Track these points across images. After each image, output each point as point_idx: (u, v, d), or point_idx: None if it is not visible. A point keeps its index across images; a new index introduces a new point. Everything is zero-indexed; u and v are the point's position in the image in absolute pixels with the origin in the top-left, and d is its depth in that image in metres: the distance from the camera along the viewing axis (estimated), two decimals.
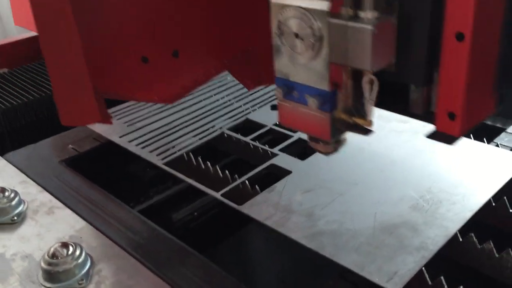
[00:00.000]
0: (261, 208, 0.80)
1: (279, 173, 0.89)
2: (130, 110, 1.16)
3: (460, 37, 0.59)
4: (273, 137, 1.02)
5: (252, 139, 1.00)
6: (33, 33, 1.53)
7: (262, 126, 1.06)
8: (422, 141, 0.95)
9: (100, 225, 0.74)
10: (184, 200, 1.04)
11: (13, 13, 1.53)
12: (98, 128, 1.09)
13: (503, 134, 0.99)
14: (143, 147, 1.01)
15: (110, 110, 1.16)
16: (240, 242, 1.03)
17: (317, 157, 0.92)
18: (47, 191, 0.80)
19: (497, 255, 0.69)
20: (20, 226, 0.71)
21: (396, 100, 0.77)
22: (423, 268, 0.67)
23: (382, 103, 0.89)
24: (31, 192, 0.78)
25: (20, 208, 0.74)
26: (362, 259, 0.68)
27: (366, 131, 0.67)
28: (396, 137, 0.97)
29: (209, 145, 1.03)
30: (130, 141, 1.03)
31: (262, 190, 0.85)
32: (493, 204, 0.78)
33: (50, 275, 0.60)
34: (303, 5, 0.58)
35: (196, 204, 1.04)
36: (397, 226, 0.74)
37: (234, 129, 1.06)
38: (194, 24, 0.90)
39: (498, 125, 1.01)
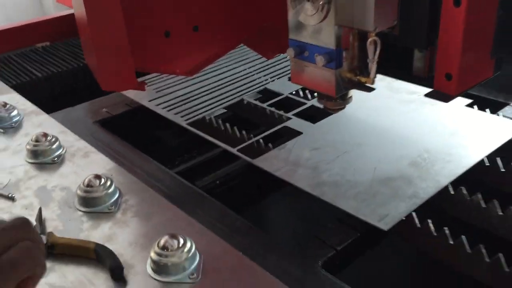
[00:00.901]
0: (272, 162, 0.89)
1: (291, 134, 0.98)
2: (159, 78, 1.26)
3: (457, 2, 0.66)
4: (289, 104, 1.10)
5: (268, 105, 1.09)
6: (71, 11, 1.65)
7: (279, 94, 1.14)
8: (427, 109, 1.01)
9: (128, 170, 0.84)
10: (208, 168, 1.12)
11: None
12: (130, 93, 1.19)
13: (507, 107, 1.04)
14: (169, 110, 1.11)
15: (141, 78, 1.26)
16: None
17: (326, 121, 1.00)
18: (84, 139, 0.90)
19: (484, 205, 0.76)
20: (59, 166, 0.82)
21: (401, 66, 0.84)
22: (413, 213, 0.74)
23: (387, 70, 0.96)
24: (69, 140, 0.89)
25: (59, 151, 0.84)
26: (358, 204, 0.76)
27: (369, 89, 0.75)
28: (403, 106, 1.04)
29: (229, 110, 1.12)
30: (157, 105, 1.13)
31: (274, 148, 0.93)
32: (487, 164, 0.85)
33: (84, 201, 0.70)
34: None
35: (219, 173, 1.12)
36: (394, 179, 0.81)
37: (253, 97, 1.14)
38: (213, 1, 0.99)
39: (501, 99, 1.06)
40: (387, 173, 0.83)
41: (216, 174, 1.14)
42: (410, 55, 0.77)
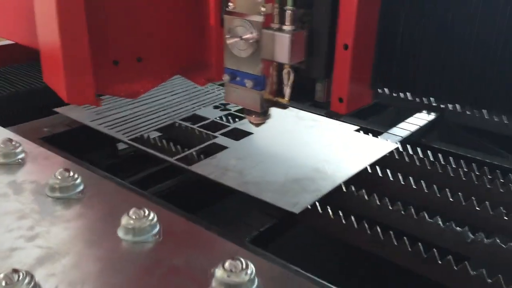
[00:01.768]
0: (205, 168, 1.09)
1: (219, 149, 1.19)
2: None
3: (345, 47, 0.93)
4: (215, 126, 1.32)
5: (198, 127, 1.29)
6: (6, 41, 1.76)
7: (206, 119, 1.35)
8: (326, 132, 1.28)
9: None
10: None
11: None
12: (72, 115, 1.33)
13: (384, 134, 1.35)
14: (110, 129, 1.27)
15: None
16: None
17: (247, 139, 1.23)
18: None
19: (366, 198, 1.01)
20: (24, 165, 0.95)
21: (306, 98, 1.09)
22: (316, 202, 0.97)
23: (297, 101, 1.22)
24: (30, 147, 1.02)
25: (22, 154, 0.97)
26: (276, 196, 0.98)
27: (284, 107, 0.98)
28: (307, 129, 1.30)
29: (163, 131, 1.31)
30: (99, 124, 1.29)
31: (206, 158, 1.13)
32: (369, 170, 1.12)
33: (56, 189, 0.85)
34: (246, 18, 0.90)
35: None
36: (301, 180, 1.05)
37: (184, 120, 1.34)
38: (155, 37, 1.19)
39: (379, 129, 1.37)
40: (296, 175, 1.06)
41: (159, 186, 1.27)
42: (313, 86, 1.03)
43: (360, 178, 1.09)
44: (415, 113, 1.45)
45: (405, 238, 0.88)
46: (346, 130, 1.29)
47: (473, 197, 0.99)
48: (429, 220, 0.94)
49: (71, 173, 0.87)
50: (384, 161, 1.16)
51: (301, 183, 1.03)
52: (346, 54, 0.94)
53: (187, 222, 0.81)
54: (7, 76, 1.60)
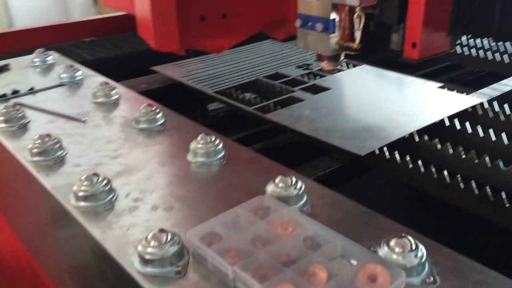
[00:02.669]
0: (280, 116, 1.14)
1: (296, 101, 1.22)
2: (188, 63, 1.52)
3: None
4: (295, 83, 1.35)
5: (279, 83, 1.34)
6: (109, 14, 1.96)
7: (287, 76, 1.40)
8: (406, 87, 1.26)
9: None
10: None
11: None
12: (167, 72, 1.45)
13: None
14: (198, 83, 1.36)
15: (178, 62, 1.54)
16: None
17: (324, 94, 1.25)
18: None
19: (439, 147, 0.99)
20: (117, 106, 1.07)
21: (382, 44, 1.09)
22: (384, 147, 0.98)
23: (374, 45, 1.21)
24: (124, 90, 1.14)
25: (117, 96, 1.10)
26: (344, 141, 1.00)
27: (355, 51, 0.99)
28: (387, 85, 1.29)
29: (246, 86, 1.37)
30: (189, 80, 1.39)
31: (282, 108, 1.18)
32: (447, 123, 1.08)
33: (140, 121, 0.95)
34: None
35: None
36: (372, 128, 1.05)
37: (266, 77, 1.40)
38: None
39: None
40: (368, 124, 1.07)
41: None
42: (388, 39, 1.02)
43: (435, 129, 1.07)
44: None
45: (472, 182, 0.86)
46: (428, 86, 1.26)
47: None
48: (504, 168, 0.90)
49: (154, 108, 0.97)
50: (465, 115, 1.12)
51: (372, 131, 1.04)
52: None
53: (249, 151, 0.86)
54: (116, 42, 1.78)
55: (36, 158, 0.84)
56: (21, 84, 1.18)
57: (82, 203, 0.71)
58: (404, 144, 1.02)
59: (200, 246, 0.58)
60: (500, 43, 1.54)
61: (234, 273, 0.54)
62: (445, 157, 0.98)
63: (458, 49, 1.54)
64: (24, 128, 0.97)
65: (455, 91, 1.24)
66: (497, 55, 1.46)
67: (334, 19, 0.96)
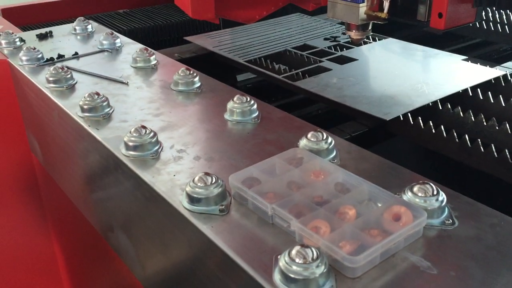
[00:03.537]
0: (308, 84, 1.19)
1: (323, 70, 1.28)
2: (219, 34, 1.58)
3: None
4: (323, 54, 1.40)
5: (307, 54, 1.39)
6: None
7: (315, 47, 1.45)
8: (431, 59, 1.30)
9: None
10: None
11: None
12: (199, 42, 1.52)
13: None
14: (229, 53, 1.42)
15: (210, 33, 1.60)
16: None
17: (351, 64, 1.30)
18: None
19: (461, 115, 1.04)
20: (156, 70, 1.14)
21: (409, 15, 1.13)
22: (408, 113, 1.03)
23: (401, 16, 1.25)
24: (161, 57, 1.21)
25: (155, 61, 1.17)
26: (370, 107, 1.05)
27: (383, 20, 1.04)
28: (412, 57, 1.33)
29: (275, 57, 1.43)
30: (220, 49, 1.45)
31: (310, 77, 1.23)
32: (470, 92, 1.13)
33: (179, 84, 1.02)
34: None
35: None
36: (397, 95, 1.10)
37: (294, 48, 1.45)
38: None
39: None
40: (393, 92, 1.12)
41: None
42: (415, 9, 1.07)
43: (458, 98, 1.11)
44: None
45: (492, 145, 0.91)
46: (453, 58, 1.30)
47: None
48: None
49: (191, 72, 1.04)
50: (488, 85, 1.16)
51: (397, 98, 1.09)
52: None
53: (281, 111, 0.93)
54: (149, 14, 1.84)
55: (87, 114, 0.91)
56: (65, 50, 1.26)
57: (132, 152, 0.78)
58: (427, 111, 1.07)
59: (241, 187, 0.65)
60: None
61: (273, 210, 0.61)
62: (467, 124, 1.03)
63: (485, 24, 1.57)
64: (72, 88, 1.05)
65: (478, 63, 1.28)
66: None
67: None
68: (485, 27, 1.57)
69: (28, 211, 1.42)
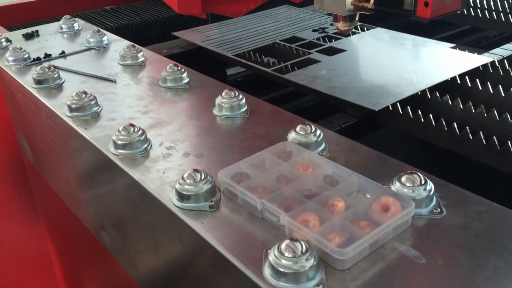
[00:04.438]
0: (297, 76, 1.19)
1: (312, 62, 1.28)
2: (207, 28, 1.57)
3: None
4: (312, 46, 1.40)
5: (295, 46, 1.39)
6: None
7: (304, 39, 1.44)
8: (419, 48, 1.30)
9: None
10: None
11: None
12: (187, 37, 1.51)
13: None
14: (218, 47, 1.42)
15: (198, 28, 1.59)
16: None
17: (340, 55, 1.30)
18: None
19: (450, 103, 1.04)
20: (143, 68, 1.14)
21: (396, 4, 1.13)
22: (397, 103, 1.03)
23: (388, 5, 1.26)
24: (149, 53, 1.20)
25: (142, 58, 1.16)
26: (359, 98, 1.06)
27: (370, 11, 1.04)
28: (400, 46, 1.33)
29: (264, 50, 1.43)
30: (208, 44, 1.45)
31: (299, 69, 1.23)
32: (458, 80, 1.13)
33: (167, 80, 1.01)
34: None
35: None
36: (386, 85, 1.10)
37: (283, 41, 1.45)
38: None
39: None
40: (382, 82, 1.12)
41: None
42: None
43: (447, 86, 1.12)
44: None
45: (480, 133, 0.91)
46: (441, 46, 1.30)
47: None
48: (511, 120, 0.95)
49: (179, 68, 1.03)
50: (476, 73, 1.16)
51: (386, 88, 1.09)
52: None
53: (270, 105, 0.93)
54: (136, 10, 1.83)
55: (75, 114, 0.91)
56: (51, 49, 1.25)
57: (120, 151, 0.78)
58: (416, 100, 1.07)
59: (231, 183, 0.65)
60: None
61: (262, 204, 0.61)
62: (455, 112, 1.04)
63: (473, 11, 1.57)
64: (59, 87, 1.04)
65: (466, 51, 1.28)
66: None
67: None
68: (473, 14, 1.57)
69: (20, 212, 1.42)
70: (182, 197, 0.65)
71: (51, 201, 1.37)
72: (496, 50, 1.33)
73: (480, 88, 1.10)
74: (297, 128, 0.76)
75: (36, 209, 1.43)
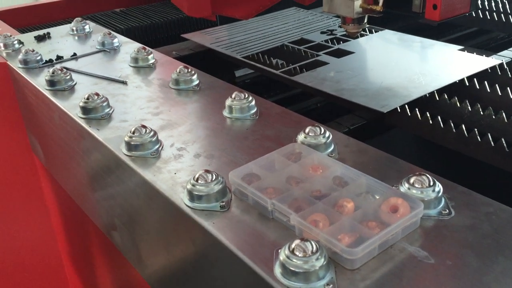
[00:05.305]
0: (305, 78, 1.20)
1: (320, 64, 1.28)
2: (216, 31, 1.59)
3: None
4: (320, 48, 1.41)
5: (304, 48, 1.40)
6: None
7: (312, 41, 1.45)
8: (427, 50, 1.31)
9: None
10: None
11: None
12: (196, 39, 1.52)
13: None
14: (227, 49, 1.43)
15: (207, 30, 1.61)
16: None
17: (348, 57, 1.31)
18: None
19: (458, 105, 1.05)
20: (154, 69, 1.15)
21: (404, 7, 1.14)
22: (406, 105, 1.04)
23: (396, 8, 1.26)
24: (159, 55, 1.22)
25: (153, 60, 1.17)
26: (367, 100, 1.06)
27: (378, 13, 1.05)
28: (408, 48, 1.34)
29: (272, 51, 1.44)
30: (217, 46, 1.46)
31: (307, 71, 1.24)
32: (466, 82, 1.14)
33: (177, 82, 1.03)
34: None
35: None
36: (394, 87, 1.11)
37: (291, 43, 1.46)
38: None
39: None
40: (390, 84, 1.13)
41: None
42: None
43: (455, 88, 1.12)
44: None
45: (488, 134, 0.92)
46: (449, 48, 1.31)
47: None
48: None
49: (189, 70, 1.04)
50: (484, 75, 1.17)
51: (394, 90, 1.10)
52: None
53: (279, 107, 0.94)
54: (146, 12, 1.85)
55: (87, 115, 0.92)
56: (63, 51, 1.27)
57: (132, 152, 0.79)
58: (424, 102, 1.08)
59: (241, 184, 0.66)
60: None
61: (273, 205, 0.62)
62: (464, 114, 1.04)
63: (481, 13, 1.57)
64: (71, 89, 1.06)
65: (474, 53, 1.28)
66: None
67: None
68: (481, 16, 1.58)
69: (31, 212, 1.44)
70: (193, 197, 0.66)
71: (63, 201, 1.39)
72: (505, 52, 1.33)
73: (489, 90, 1.10)
74: (307, 130, 0.77)
75: (47, 209, 1.45)
